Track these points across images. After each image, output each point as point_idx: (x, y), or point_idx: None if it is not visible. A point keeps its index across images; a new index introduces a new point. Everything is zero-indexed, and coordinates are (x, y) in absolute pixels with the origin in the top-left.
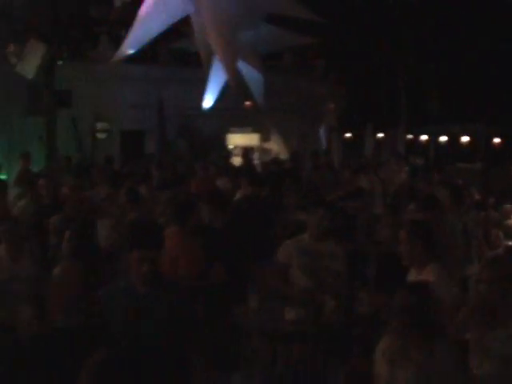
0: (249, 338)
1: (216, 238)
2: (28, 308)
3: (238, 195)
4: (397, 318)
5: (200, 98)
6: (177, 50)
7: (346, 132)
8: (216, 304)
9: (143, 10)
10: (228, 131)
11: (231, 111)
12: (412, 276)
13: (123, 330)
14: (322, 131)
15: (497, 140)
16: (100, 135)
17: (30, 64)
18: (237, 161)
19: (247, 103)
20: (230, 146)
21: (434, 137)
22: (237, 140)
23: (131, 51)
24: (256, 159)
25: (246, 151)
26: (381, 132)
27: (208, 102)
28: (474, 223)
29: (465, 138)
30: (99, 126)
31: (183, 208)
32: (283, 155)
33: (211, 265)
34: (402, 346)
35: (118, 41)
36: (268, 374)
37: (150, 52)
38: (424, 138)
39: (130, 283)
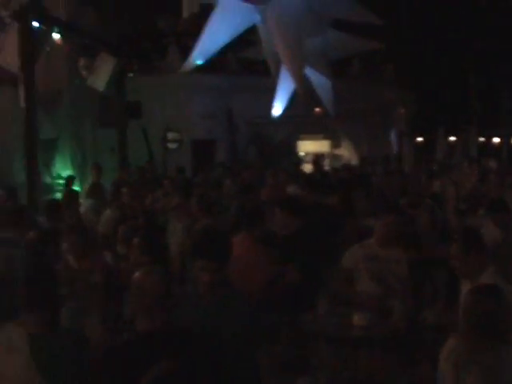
0: (317, 343)
1: (289, 244)
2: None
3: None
4: (466, 320)
5: (269, 106)
6: (245, 59)
7: (418, 136)
8: (286, 310)
9: (211, 20)
10: (298, 138)
11: (301, 118)
12: (467, 286)
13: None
14: (392, 136)
15: None
16: (171, 145)
17: (100, 77)
18: (308, 168)
19: (317, 110)
20: (301, 153)
21: (506, 139)
22: (307, 147)
23: (199, 62)
24: (327, 165)
25: (317, 158)
26: (453, 135)
27: (277, 109)
28: None
29: None
30: (170, 136)
31: (251, 215)
32: (354, 161)
33: (284, 268)
34: (469, 349)
35: (186, 51)
36: (333, 379)
37: (219, 61)
38: (496, 140)
39: (197, 291)
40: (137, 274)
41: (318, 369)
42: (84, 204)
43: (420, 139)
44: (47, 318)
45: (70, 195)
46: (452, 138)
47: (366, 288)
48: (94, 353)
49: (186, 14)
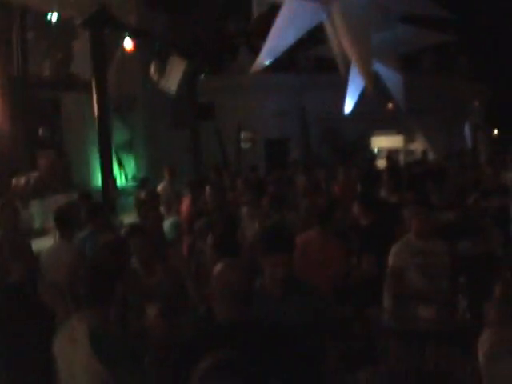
0: (383, 336)
1: (365, 236)
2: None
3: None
4: (497, 308)
5: (341, 103)
6: (315, 57)
7: (493, 129)
8: (356, 304)
9: (278, 19)
10: (372, 134)
11: (374, 114)
12: None
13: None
14: (467, 130)
15: None
16: (244, 145)
17: (172, 80)
18: (381, 163)
19: (390, 105)
20: (375, 149)
21: None
22: (381, 143)
23: (269, 61)
24: (401, 161)
25: (390, 154)
26: None
27: (349, 106)
28: None
29: None
30: (243, 135)
31: (323, 212)
32: (430, 155)
33: (359, 260)
34: (502, 338)
35: (256, 52)
36: (395, 372)
37: (289, 60)
38: None
39: (263, 286)
40: (220, 267)
41: (380, 361)
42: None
43: (496, 132)
44: (107, 313)
45: (151, 195)
46: None
47: (417, 284)
48: (155, 346)
49: (255, 14)
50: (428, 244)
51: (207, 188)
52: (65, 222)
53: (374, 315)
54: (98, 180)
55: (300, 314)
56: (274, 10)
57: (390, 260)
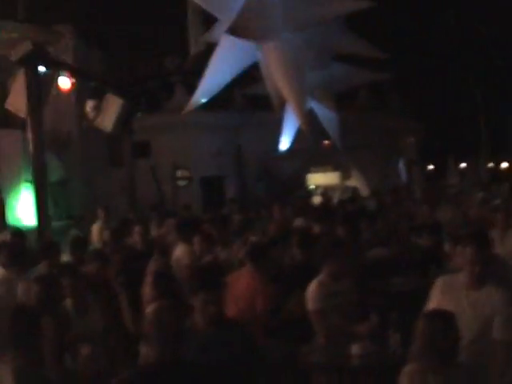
0: (316, 373)
1: (294, 275)
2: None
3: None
4: (417, 343)
5: (277, 141)
6: (251, 95)
7: (428, 164)
8: (287, 341)
9: (213, 58)
10: (308, 171)
11: (310, 151)
12: None
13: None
14: (401, 165)
15: None
16: (180, 183)
17: (108, 118)
18: (317, 200)
19: (326, 142)
20: (312, 186)
21: None
22: (317, 179)
23: (204, 99)
24: (337, 197)
25: (326, 191)
26: (463, 162)
27: (285, 144)
28: None
29: None
30: (179, 173)
31: (256, 249)
32: (365, 192)
33: (286, 299)
34: (420, 370)
35: (192, 90)
36: None
37: (224, 99)
38: (505, 165)
39: (195, 323)
40: (153, 308)
41: None
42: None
43: (430, 167)
44: (35, 353)
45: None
46: (462, 165)
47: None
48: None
49: (192, 52)
50: (342, 284)
51: (136, 228)
52: None
53: (305, 352)
54: (32, 218)
55: (229, 351)
56: (210, 49)
57: (308, 304)
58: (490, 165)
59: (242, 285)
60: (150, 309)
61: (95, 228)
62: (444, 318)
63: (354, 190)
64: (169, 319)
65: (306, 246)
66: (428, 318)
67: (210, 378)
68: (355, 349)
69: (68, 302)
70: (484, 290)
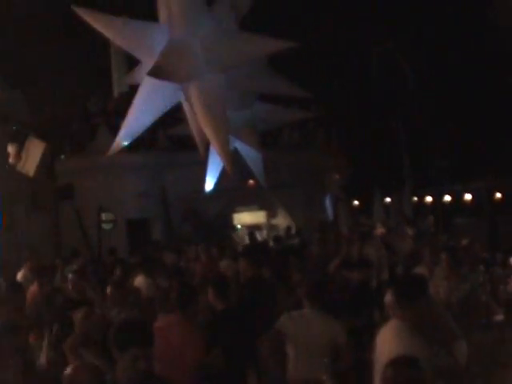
0: None
1: (217, 323)
2: None
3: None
4: None
5: (202, 181)
6: (175, 136)
7: (353, 199)
8: None
9: (136, 99)
10: (234, 211)
11: (235, 191)
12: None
13: None
14: (327, 202)
15: (498, 195)
16: (105, 226)
17: (30, 162)
18: (245, 240)
19: (250, 182)
20: (238, 226)
21: (438, 197)
22: (243, 218)
23: (127, 141)
24: (264, 236)
25: (252, 230)
26: (388, 196)
27: (209, 184)
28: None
29: (468, 196)
30: (104, 216)
31: (183, 296)
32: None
33: (209, 352)
34: None
35: (116, 131)
36: None
37: (149, 140)
38: (429, 199)
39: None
40: (69, 370)
41: None
42: None
43: (356, 203)
44: None
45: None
46: (388, 199)
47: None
48: None
49: (115, 94)
50: None
51: (71, 277)
52: None
53: None
54: None
55: None
56: (134, 91)
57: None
58: (414, 199)
59: (171, 333)
60: (66, 372)
61: (20, 275)
62: (411, 364)
63: (288, 228)
64: (83, 381)
65: (224, 295)
66: (396, 366)
67: None
68: None
69: None
70: None
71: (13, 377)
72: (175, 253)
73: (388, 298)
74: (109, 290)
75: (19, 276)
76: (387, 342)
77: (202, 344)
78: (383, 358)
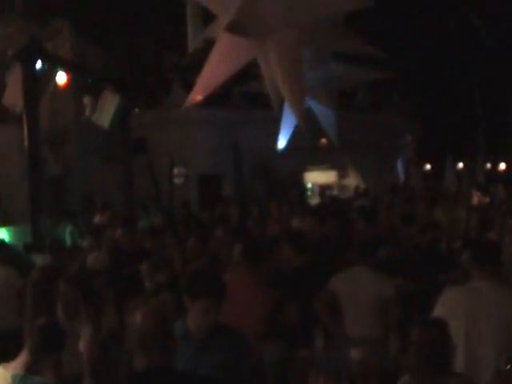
0: (315, 378)
1: (291, 280)
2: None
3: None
4: (413, 353)
5: (275, 139)
6: (249, 92)
7: (425, 164)
8: (286, 346)
9: (212, 55)
10: (306, 169)
11: (308, 150)
12: None
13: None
14: (399, 164)
15: None
16: (177, 180)
17: (105, 114)
18: (315, 199)
19: (323, 141)
20: (309, 185)
21: None
22: (315, 178)
23: (202, 96)
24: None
25: (323, 189)
26: (460, 162)
27: (282, 142)
28: None
29: None
30: (176, 171)
31: (252, 249)
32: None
33: (283, 306)
34: (417, 382)
35: (190, 86)
36: None
37: (222, 95)
38: (503, 166)
39: (187, 328)
40: (139, 316)
41: None
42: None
43: (428, 167)
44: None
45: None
46: (460, 165)
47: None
48: None
49: (190, 49)
50: None
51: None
52: None
53: (303, 356)
54: (27, 214)
55: (222, 358)
56: (208, 46)
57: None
58: (488, 166)
59: (237, 288)
60: (135, 317)
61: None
62: (439, 327)
63: (357, 188)
64: (151, 325)
65: (301, 250)
66: (423, 327)
67: None
68: (354, 353)
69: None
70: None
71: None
72: (244, 209)
73: (465, 258)
74: (190, 243)
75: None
76: (464, 303)
77: (269, 300)
78: (460, 316)
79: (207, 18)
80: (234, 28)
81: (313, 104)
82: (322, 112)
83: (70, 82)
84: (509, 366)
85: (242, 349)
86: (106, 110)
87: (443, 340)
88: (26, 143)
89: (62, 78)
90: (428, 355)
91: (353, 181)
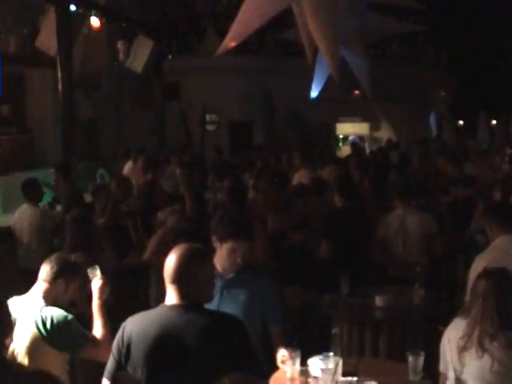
0: (339, 324)
1: (332, 221)
2: None
3: None
4: (475, 304)
5: (308, 88)
6: (283, 41)
7: (459, 119)
8: (311, 291)
9: (246, 2)
10: (337, 120)
11: (340, 101)
12: None
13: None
14: (432, 119)
15: None
16: (209, 127)
17: (138, 59)
18: (346, 150)
19: (356, 92)
20: (340, 136)
21: None
22: (346, 129)
23: (235, 43)
24: (366, 148)
25: (355, 141)
26: (494, 119)
27: (315, 91)
28: None
29: None
30: (208, 117)
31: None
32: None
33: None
34: (475, 334)
35: (224, 33)
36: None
37: (257, 43)
38: None
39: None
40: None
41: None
42: None
43: (461, 122)
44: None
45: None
46: (493, 122)
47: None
48: None
49: None
50: None
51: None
52: (31, 188)
53: (328, 302)
54: (61, 158)
55: (247, 297)
56: None
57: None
58: None
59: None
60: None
61: (127, 168)
62: (506, 277)
63: (389, 141)
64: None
65: (348, 194)
66: (489, 277)
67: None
68: (379, 301)
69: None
70: None
71: None
72: (275, 157)
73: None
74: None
75: (126, 168)
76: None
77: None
78: None
79: None
80: None
81: (347, 54)
82: (356, 63)
83: (104, 26)
84: None
85: (268, 288)
86: (139, 55)
87: (506, 290)
88: (60, 87)
89: (95, 22)
90: (493, 308)
91: (385, 133)
